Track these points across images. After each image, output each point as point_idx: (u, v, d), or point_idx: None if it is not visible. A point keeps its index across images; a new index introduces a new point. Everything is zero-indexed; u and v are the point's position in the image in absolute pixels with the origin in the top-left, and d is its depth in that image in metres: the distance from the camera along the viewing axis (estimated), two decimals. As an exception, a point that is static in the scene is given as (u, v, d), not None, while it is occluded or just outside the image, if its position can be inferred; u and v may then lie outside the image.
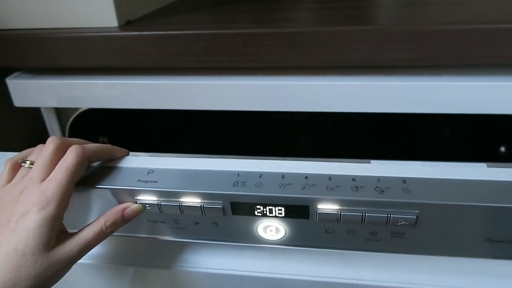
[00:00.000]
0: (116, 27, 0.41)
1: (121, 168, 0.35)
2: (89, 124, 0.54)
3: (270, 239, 0.35)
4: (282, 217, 0.33)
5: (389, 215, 0.30)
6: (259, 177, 0.32)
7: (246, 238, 0.35)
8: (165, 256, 0.40)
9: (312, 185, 0.31)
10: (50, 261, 0.29)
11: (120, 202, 0.34)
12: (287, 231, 0.34)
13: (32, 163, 0.33)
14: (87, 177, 0.34)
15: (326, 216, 0.31)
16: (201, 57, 0.39)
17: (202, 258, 0.40)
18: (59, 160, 0.32)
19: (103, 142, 0.58)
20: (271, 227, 0.34)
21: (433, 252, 0.33)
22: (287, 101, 0.41)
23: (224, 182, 0.32)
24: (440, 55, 0.35)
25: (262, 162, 0.34)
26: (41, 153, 0.32)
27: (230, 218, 0.34)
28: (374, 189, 0.31)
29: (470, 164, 0.33)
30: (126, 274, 0.42)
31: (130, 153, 0.37)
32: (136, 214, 0.34)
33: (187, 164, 0.34)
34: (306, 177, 0.32)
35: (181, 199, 0.33)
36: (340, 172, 0.32)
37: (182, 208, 0.33)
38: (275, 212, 0.32)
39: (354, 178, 0.32)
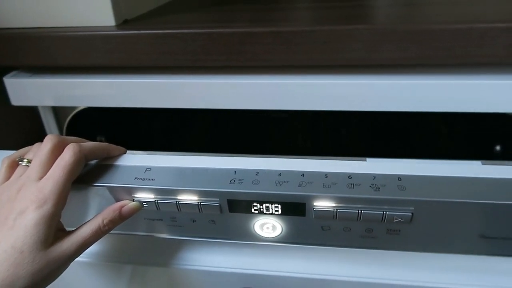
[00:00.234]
0: (113, 26, 0.41)
1: (118, 166, 0.35)
2: (87, 123, 0.54)
3: (267, 236, 0.35)
4: (278, 214, 0.33)
5: (384, 212, 0.31)
6: (256, 174, 0.33)
7: (243, 236, 0.35)
8: (163, 254, 0.40)
9: (308, 183, 0.31)
10: (47, 259, 0.29)
11: (117, 200, 0.34)
12: (283, 228, 0.34)
13: (29, 162, 0.33)
14: (85, 175, 0.34)
15: (322, 213, 0.32)
16: (198, 56, 0.39)
17: (199, 256, 0.40)
18: (57, 158, 0.32)
19: (101, 141, 0.58)
20: (268, 225, 0.34)
21: (428, 248, 0.34)
22: (284, 100, 0.41)
23: (221, 180, 0.33)
24: (436, 54, 0.35)
25: (259, 159, 0.34)
26: (39, 151, 0.32)
27: (227, 215, 0.34)
28: (370, 186, 0.31)
29: (465, 162, 0.33)
30: (124, 272, 0.42)
31: (128, 151, 0.37)
32: (133, 212, 0.34)
33: (184, 162, 0.34)
34: (303, 175, 0.32)
35: (178, 197, 0.33)
36: (336, 169, 0.32)
37: (179, 205, 0.33)
38: (272, 209, 0.32)
39: (350, 176, 0.32)
